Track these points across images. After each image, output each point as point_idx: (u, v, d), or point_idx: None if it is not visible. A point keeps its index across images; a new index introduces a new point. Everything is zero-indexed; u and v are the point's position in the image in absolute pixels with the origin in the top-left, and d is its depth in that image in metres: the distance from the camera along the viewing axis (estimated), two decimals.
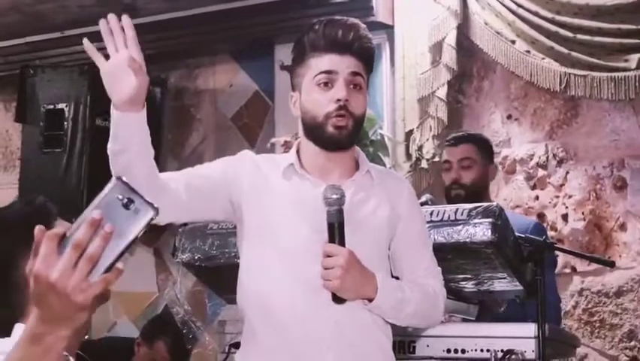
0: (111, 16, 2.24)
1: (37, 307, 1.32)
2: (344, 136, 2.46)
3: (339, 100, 2.44)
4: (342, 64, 2.47)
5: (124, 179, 1.31)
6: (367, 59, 2.53)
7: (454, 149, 3.83)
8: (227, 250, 3.05)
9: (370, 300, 2.41)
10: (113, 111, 2.26)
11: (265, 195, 2.48)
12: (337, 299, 2.38)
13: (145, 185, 2.11)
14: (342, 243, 2.36)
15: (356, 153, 2.58)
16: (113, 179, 1.31)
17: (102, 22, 2.24)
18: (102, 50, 2.27)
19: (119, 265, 1.31)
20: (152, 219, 1.31)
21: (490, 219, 2.82)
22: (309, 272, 2.39)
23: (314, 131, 2.49)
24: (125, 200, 1.30)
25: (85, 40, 2.25)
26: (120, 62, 2.22)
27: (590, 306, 4.58)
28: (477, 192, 3.74)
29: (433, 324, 2.70)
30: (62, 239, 1.30)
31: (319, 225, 2.39)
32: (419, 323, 2.66)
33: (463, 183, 3.75)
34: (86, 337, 2.35)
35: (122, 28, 2.23)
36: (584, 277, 4.60)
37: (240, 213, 2.51)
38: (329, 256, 2.35)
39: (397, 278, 2.56)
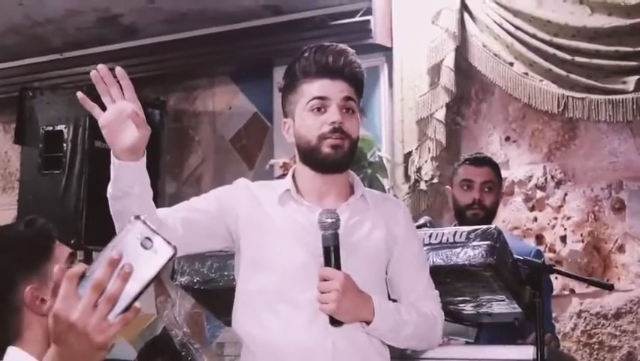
0: (101, 67, 2.25)
1: (56, 345, 1.33)
2: (340, 156, 2.46)
3: (333, 122, 2.45)
4: (335, 89, 2.48)
5: (142, 218, 1.32)
6: (358, 83, 2.54)
7: (477, 169, 3.82)
8: (226, 272, 3.04)
9: (368, 323, 2.41)
10: (113, 159, 2.28)
11: (261, 222, 2.49)
12: (335, 322, 2.38)
13: None
14: (337, 266, 2.36)
15: (351, 178, 2.58)
16: (132, 218, 1.32)
17: (93, 73, 2.24)
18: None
19: (137, 303, 1.33)
20: (170, 258, 1.32)
21: (488, 242, 2.82)
22: (306, 296, 2.39)
23: (309, 154, 2.49)
24: (144, 239, 1.31)
25: (79, 93, 2.26)
26: (119, 115, 2.23)
27: (588, 328, 4.57)
28: (492, 214, 3.78)
29: (431, 346, 2.70)
30: (81, 278, 1.31)
31: (315, 249, 2.39)
32: (418, 345, 2.66)
33: (485, 204, 3.76)
34: None
35: (115, 77, 2.24)
36: (582, 299, 4.60)
37: (238, 241, 2.52)
38: (325, 280, 2.35)
39: (395, 301, 2.56)
